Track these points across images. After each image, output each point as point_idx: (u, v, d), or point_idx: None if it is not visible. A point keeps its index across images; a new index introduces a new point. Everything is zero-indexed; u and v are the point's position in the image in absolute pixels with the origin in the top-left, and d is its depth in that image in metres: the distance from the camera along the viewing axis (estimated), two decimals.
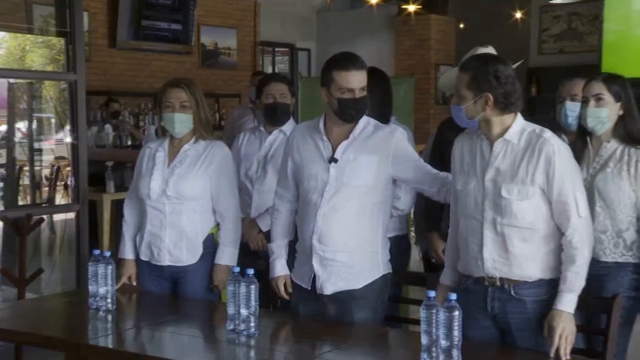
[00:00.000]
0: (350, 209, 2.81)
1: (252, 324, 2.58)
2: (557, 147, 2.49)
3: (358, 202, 2.81)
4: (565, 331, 2.42)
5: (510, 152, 2.54)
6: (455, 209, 2.70)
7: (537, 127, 2.57)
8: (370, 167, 2.81)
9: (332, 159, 2.83)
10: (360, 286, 2.83)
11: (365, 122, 2.89)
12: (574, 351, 2.48)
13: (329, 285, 2.84)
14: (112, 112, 8.58)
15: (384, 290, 2.90)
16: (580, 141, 3.03)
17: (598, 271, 2.84)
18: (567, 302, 2.45)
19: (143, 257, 3.27)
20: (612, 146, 2.98)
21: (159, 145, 3.30)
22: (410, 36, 11.20)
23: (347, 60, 2.80)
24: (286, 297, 2.97)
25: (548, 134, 2.54)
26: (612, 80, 2.99)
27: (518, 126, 2.56)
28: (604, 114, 2.95)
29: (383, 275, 2.89)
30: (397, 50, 11.32)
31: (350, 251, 2.82)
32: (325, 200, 2.81)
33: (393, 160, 2.83)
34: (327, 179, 2.82)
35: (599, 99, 2.95)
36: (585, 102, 2.99)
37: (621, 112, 2.96)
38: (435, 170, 2.90)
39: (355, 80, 2.77)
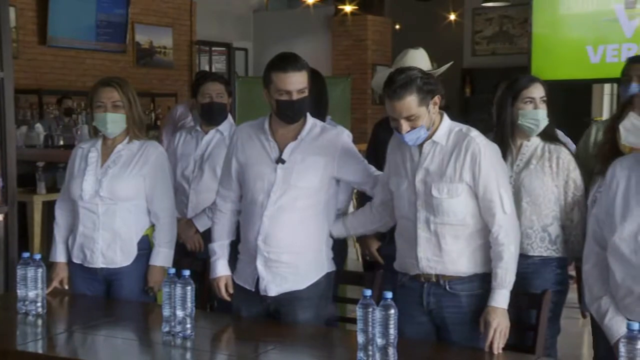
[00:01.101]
0: (296, 210, 2.80)
1: (188, 326, 2.55)
2: (482, 146, 2.56)
3: (304, 203, 2.81)
4: (500, 326, 2.49)
5: (438, 153, 2.59)
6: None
7: (464, 127, 2.63)
8: (317, 169, 2.80)
9: (280, 160, 2.81)
10: (305, 286, 2.82)
11: (312, 124, 2.88)
12: (505, 346, 2.53)
13: (274, 286, 2.82)
14: (66, 109, 8.37)
15: (328, 289, 2.90)
16: (500, 139, 3.08)
17: (525, 269, 2.92)
18: (500, 298, 2.52)
19: (75, 260, 3.20)
20: (533, 144, 3.06)
21: (91, 145, 3.24)
22: (347, 36, 11.27)
23: (285, 62, 2.77)
24: (227, 297, 2.94)
25: (474, 132, 2.60)
26: (545, 83, 3.09)
27: (445, 127, 2.61)
28: (544, 115, 3.03)
29: (327, 273, 2.89)
30: (334, 51, 11.38)
31: (295, 252, 2.81)
32: (272, 201, 2.79)
33: (339, 163, 2.83)
34: (274, 180, 2.80)
35: (544, 101, 3.04)
36: (531, 104, 3.02)
37: None
38: (377, 172, 2.92)
39: (293, 82, 2.74)
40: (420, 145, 2.61)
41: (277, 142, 2.84)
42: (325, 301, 2.90)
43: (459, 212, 2.56)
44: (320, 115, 3.48)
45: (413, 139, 2.56)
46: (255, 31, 11.68)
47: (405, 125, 2.53)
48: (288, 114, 2.80)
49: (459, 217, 2.56)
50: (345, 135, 2.91)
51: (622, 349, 1.94)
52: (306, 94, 2.79)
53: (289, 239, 2.80)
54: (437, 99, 2.57)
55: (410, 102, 2.51)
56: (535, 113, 3.01)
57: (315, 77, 3.63)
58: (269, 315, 2.87)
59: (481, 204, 2.56)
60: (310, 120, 2.88)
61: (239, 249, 2.95)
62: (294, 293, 2.81)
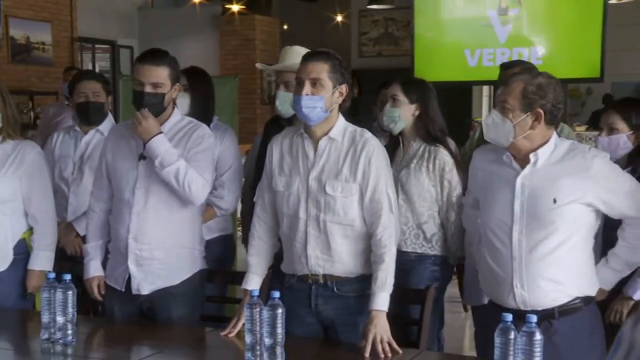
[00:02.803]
0: (164, 206, 2.80)
1: (69, 332, 2.47)
2: (376, 148, 2.60)
3: (170, 199, 2.80)
4: (377, 335, 2.45)
5: (334, 150, 2.60)
6: (261, 211, 2.72)
7: (358, 128, 2.67)
8: None
9: (141, 156, 2.80)
10: (178, 282, 2.83)
11: (178, 120, 2.87)
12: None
13: (147, 284, 2.82)
14: None
15: (201, 286, 2.92)
16: (393, 140, 3.22)
17: (401, 265, 3.01)
18: (381, 302, 2.51)
19: None
20: (417, 144, 3.19)
21: None
22: (235, 36, 11.21)
23: (147, 54, 2.83)
24: (99, 298, 2.93)
25: (368, 134, 2.64)
26: (409, 84, 3.23)
27: (341, 125, 2.63)
28: (396, 114, 3.17)
29: (200, 270, 2.91)
30: (221, 50, 11.29)
31: (167, 248, 2.82)
32: (138, 198, 2.79)
33: (187, 153, 2.80)
34: (137, 177, 2.80)
35: (394, 99, 3.18)
36: (386, 103, 3.22)
37: (417, 113, 3.17)
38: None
39: (146, 75, 2.76)
40: (316, 143, 2.61)
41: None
42: (199, 298, 2.91)
43: (350, 211, 2.58)
44: (207, 115, 3.45)
45: (309, 107, 2.52)
46: (141, 29, 11.40)
47: (307, 87, 2.52)
48: (138, 105, 2.80)
49: (349, 217, 2.59)
50: (201, 133, 2.86)
51: (497, 339, 2.03)
52: (162, 90, 2.78)
53: (160, 236, 2.80)
54: (344, 88, 2.58)
55: (322, 67, 2.53)
56: (384, 111, 3.21)
57: (201, 77, 3.60)
58: (142, 315, 2.86)
59: (368, 204, 2.58)
60: (177, 116, 2.88)
61: (109, 249, 2.93)
62: (168, 289, 2.82)
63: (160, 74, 2.77)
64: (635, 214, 2.46)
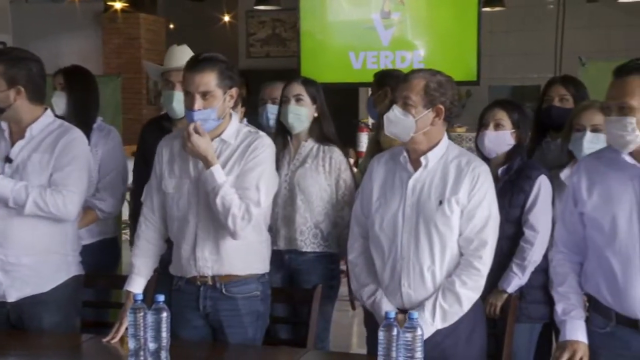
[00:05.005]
0: None
1: None
2: (267, 146, 2.63)
3: None
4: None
5: (224, 151, 2.60)
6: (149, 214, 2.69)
7: (252, 128, 2.69)
8: (43, 166, 2.69)
9: (7, 159, 2.69)
10: (49, 289, 2.72)
11: (48, 122, 2.77)
12: (282, 342, 2.59)
13: (14, 291, 2.69)
14: None
15: (76, 292, 2.82)
16: (281, 139, 3.22)
17: (299, 265, 3.04)
18: (217, 174, 2.52)
19: None
20: (310, 144, 3.23)
21: None
22: (119, 34, 10.91)
23: None
24: None
25: (263, 133, 2.67)
26: (309, 83, 3.26)
27: (234, 126, 2.63)
28: (303, 113, 3.19)
29: (75, 276, 2.81)
30: (105, 49, 10.96)
31: (36, 254, 2.70)
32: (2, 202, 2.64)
33: (55, 162, 2.70)
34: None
35: (298, 99, 3.19)
36: (286, 102, 3.21)
37: (316, 114, 3.21)
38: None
39: None
40: None
41: (13, 140, 2.73)
42: (75, 305, 2.82)
43: None
44: (89, 115, 3.36)
45: (202, 120, 2.51)
46: (15, 24, 10.87)
47: (198, 102, 2.50)
48: None
49: None
50: (72, 136, 2.76)
51: (381, 335, 2.07)
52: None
53: (28, 240, 2.68)
54: (234, 91, 2.57)
55: (210, 78, 2.50)
56: (286, 109, 3.19)
57: (80, 76, 3.49)
58: (10, 324, 2.73)
59: (240, 194, 2.56)
60: (48, 117, 2.78)
61: None
62: (38, 297, 2.71)
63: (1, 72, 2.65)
64: (472, 236, 2.46)
